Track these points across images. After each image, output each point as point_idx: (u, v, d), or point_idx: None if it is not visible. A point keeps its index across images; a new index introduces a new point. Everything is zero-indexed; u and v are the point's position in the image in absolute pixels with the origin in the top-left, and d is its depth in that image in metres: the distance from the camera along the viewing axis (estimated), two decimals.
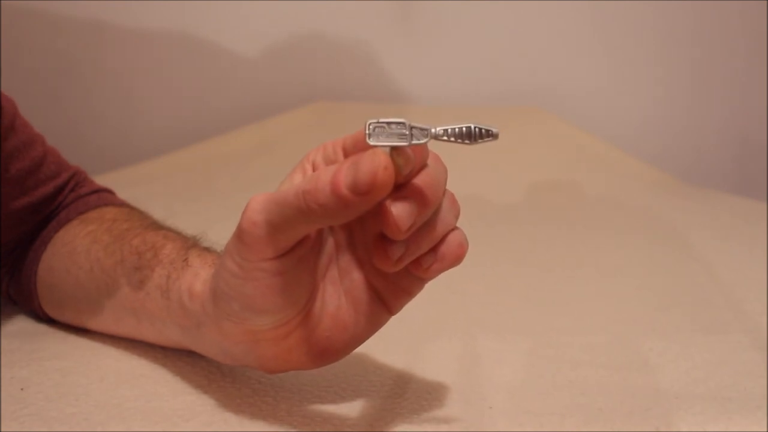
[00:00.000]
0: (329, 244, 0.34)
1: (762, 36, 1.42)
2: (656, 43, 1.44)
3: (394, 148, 0.28)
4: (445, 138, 0.28)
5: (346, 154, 0.32)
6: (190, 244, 0.41)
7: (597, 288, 0.61)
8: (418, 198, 0.29)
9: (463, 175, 0.91)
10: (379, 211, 0.29)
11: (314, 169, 0.32)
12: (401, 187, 0.29)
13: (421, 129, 0.28)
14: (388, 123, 0.28)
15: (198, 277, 0.37)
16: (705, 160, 1.47)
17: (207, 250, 0.40)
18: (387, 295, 0.34)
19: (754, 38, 1.43)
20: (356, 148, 0.31)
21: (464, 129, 0.28)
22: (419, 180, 0.29)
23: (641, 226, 0.87)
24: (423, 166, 0.30)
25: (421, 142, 0.28)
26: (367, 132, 0.28)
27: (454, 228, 0.32)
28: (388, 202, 0.28)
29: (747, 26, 1.43)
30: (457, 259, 0.32)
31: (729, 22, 1.43)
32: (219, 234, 0.42)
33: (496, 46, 1.43)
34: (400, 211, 0.28)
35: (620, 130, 1.43)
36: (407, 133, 0.28)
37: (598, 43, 1.44)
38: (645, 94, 1.46)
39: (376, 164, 0.27)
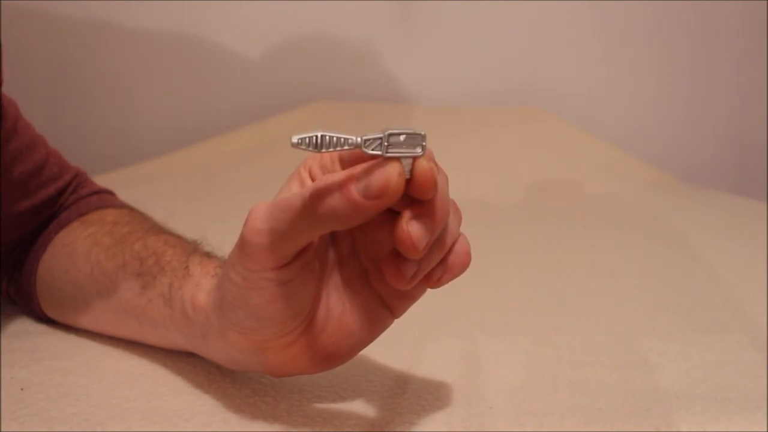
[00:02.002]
0: (331, 252, 0.34)
1: (762, 36, 1.42)
2: (656, 43, 1.44)
3: (416, 158, 0.28)
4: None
5: (343, 164, 0.32)
6: (191, 250, 0.41)
7: (597, 288, 0.61)
8: (432, 215, 0.29)
9: (463, 176, 0.91)
10: (394, 232, 0.29)
11: (312, 177, 0.32)
12: (416, 206, 0.29)
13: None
14: (402, 133, 0.27)
15: (200, 287, 0.36)
16: (705, 160, 1.47)
17: (208, 255, 0.40)
18: (390, 300, 0.34)
19: (754, 38, 1.43)
20: (354, 157, 0.31)
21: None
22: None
23: (641, 226, 0.87)
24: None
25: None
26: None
27: (459, 236, 0.32)
28: (404, 223, 0.28)
29: (747, 26, 1.43)
30: (464, 268, 0.32)
31: (729, 22, 1.43)
32: (219, 235, 0.42)
33: (497, 46, 1.43)
34: (416, 231, 0.28)
35: (620, 130, 1.44)
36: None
37: (598, 43, 1.44)
38: (645, 94, 1.46)
39: (389, 171, 0.27)
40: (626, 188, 1.10)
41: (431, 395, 0.38)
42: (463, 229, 0.33)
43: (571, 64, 1.45)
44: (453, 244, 0.31)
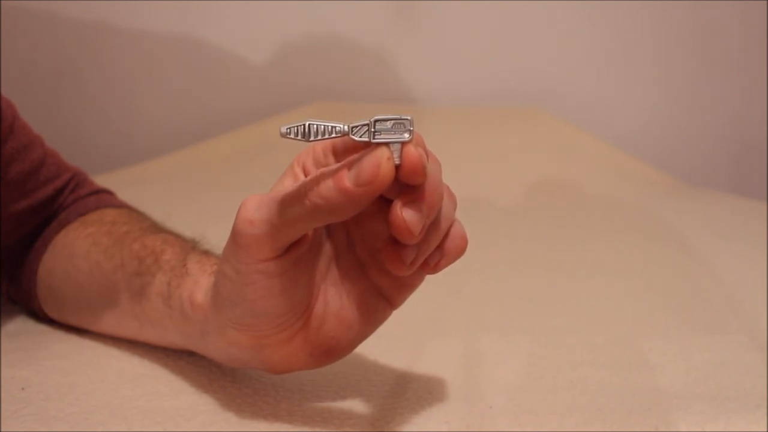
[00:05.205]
0: (327, 246, 0.34)
1: (762, 36, 1.42)
2: (656, 43, 1.44)
3: (404, 144, 0.28)
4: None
5: (337, 157, 0.32)
6: (189, 248, 0.41)
7: (597, 288, 0.61)
8: (426, 199, 0.29)
9: (463, 176, 0.91)
10: (389, 219, 0.29)
11: (305, 173, 0.32)
12: (408, 192, 0.29)
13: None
14: (389, 119, 0.28)
15: (198, 285, 0.36)
16: (705, 160, 1.47)
17: (206, 254, 0.40)
18: (389, 291, 0.34)
19: (754, 38, 1.43)
20: (346, 150, 0.31)
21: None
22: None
23: (641, 226, 0.87)
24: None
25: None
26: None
27: (454, 220, 0.32)
28: (398, 209, 0.29)
29: (747, 27, 1.43)
30: (461, 252, 0.32)
31: (729, 22, 1.43)
32: (219, 234, 0.42)
33: (497, 47, 1.43)
34: (410, 215, 0.29)
35: (621, 130, 1.44)
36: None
37: (598, 43, 1.44)
38: (645, 94, 1.46)
39: (378, 156, 0.27)
40: (626, 188, 1.10)
41: (431, 395, 0.38)
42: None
43: (571, 64, 1.45)
44: (449, 229, 0.32)
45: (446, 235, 0.31)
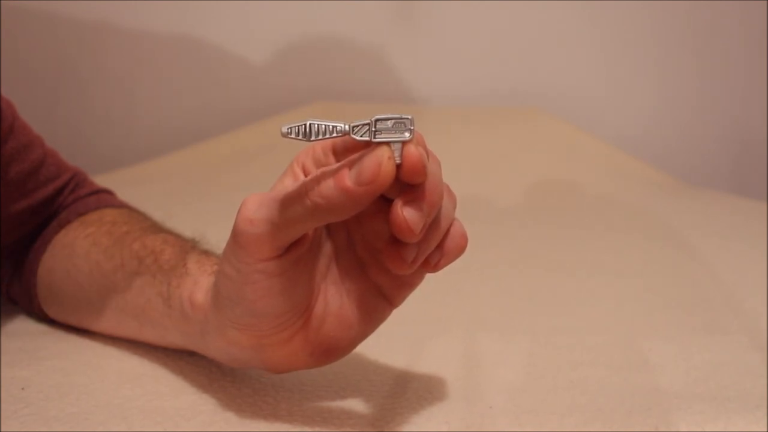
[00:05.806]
0: (327, 246, 0.34)
1: (762, 36, 1.42)
2: (656, 43, 1.44)
3: (405, 143, 0.28)
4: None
5: (337, 157, 0.32)
6: (189, 248, 0.41)
7: (597, 288, 0.61)
8: (426, 198, 0.29)
9: (463, 176, 0.91)
10: (390, 218, 0.29)
11: (305, 172, 0.32)
12: (408, 191, 0.29)
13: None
14: (390, 119, 0.28)
15: (198, 285, 0.36)
16: (705, 161, 1.47)
17: (205, 254, 0.40)
18: (389, 290, 0.34)
19: (754, 39, 1.43)
20: (347, 149, 0.31)
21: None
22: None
23: (642, 226, 0.87)
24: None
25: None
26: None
27: (454, 219, 0.32)
28: (398, 207, 0.29)
29: (747, 27, 1.43)
30: (461, 251, 0.32)
31: (729, 22, 1.43)
32: (219, 234, 0.42)
33: (497, 47, 1.43)
34: (411, 214, 0.29)
35: (621, 130, 1.44)
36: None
37: (598, 43, 1.44)
38: (645, 94, 1.46)
39: (379, 155, 0.27)
40: (626, 188, 1.10)
41: (431, 395, 0.38)
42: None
43: (571, 64, 1.45)
44: (449, 228, 0.32)
45: (446, 234, 0.32)
